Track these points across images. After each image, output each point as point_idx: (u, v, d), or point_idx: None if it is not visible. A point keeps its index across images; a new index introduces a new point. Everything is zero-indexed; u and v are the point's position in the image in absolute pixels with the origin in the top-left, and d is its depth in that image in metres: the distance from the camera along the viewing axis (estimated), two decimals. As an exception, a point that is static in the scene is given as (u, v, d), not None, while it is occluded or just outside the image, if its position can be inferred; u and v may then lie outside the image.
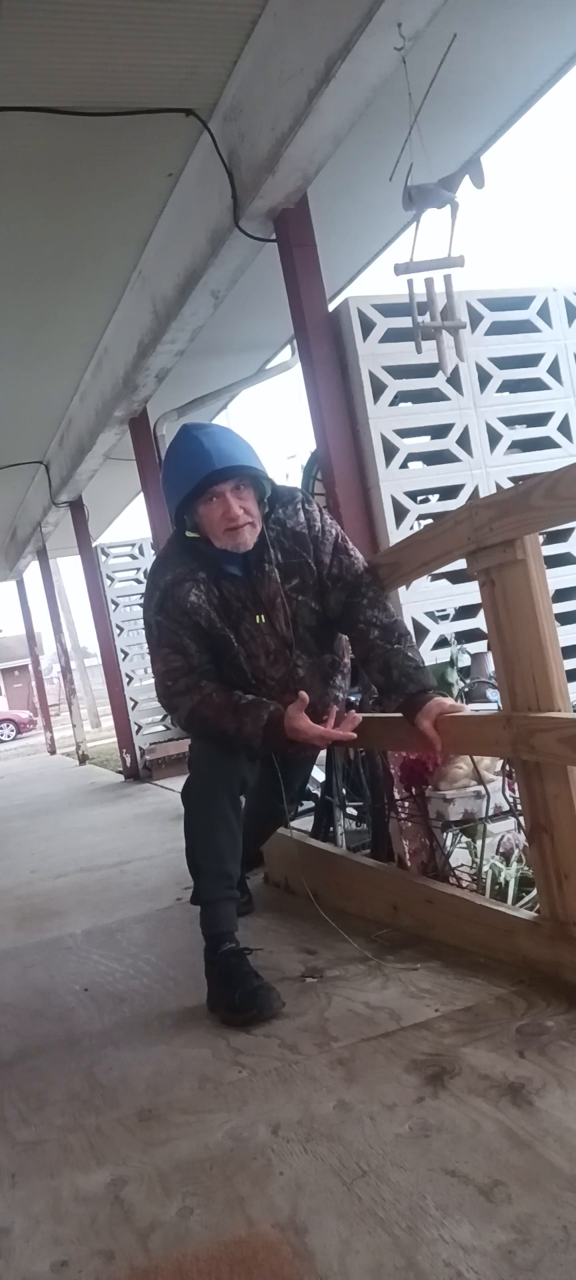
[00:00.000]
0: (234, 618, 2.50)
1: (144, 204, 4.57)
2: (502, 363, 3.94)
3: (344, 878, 2.90)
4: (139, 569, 8.61)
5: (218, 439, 2.43)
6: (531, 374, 4.01)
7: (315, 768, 3.79)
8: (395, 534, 3.60)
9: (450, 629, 3.66)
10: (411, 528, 3.62)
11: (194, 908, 2.47)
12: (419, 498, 3.76)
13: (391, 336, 3.68)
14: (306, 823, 3.60)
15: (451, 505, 3.68)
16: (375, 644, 2.46)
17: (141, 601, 2.68)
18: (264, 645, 2.52)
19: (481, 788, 2.66)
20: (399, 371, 3.70)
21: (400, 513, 3.67)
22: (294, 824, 3.28)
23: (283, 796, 2.60)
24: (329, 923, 2.56)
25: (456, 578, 3.62)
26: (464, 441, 3.83)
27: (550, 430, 4.01)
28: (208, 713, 2.45)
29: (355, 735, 2.50)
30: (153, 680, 2.68)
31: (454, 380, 3.82)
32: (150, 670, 2.94)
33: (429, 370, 3.69)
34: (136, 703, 8.44)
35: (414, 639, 2.67)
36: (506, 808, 2.59)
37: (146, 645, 2.65)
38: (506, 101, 4.18)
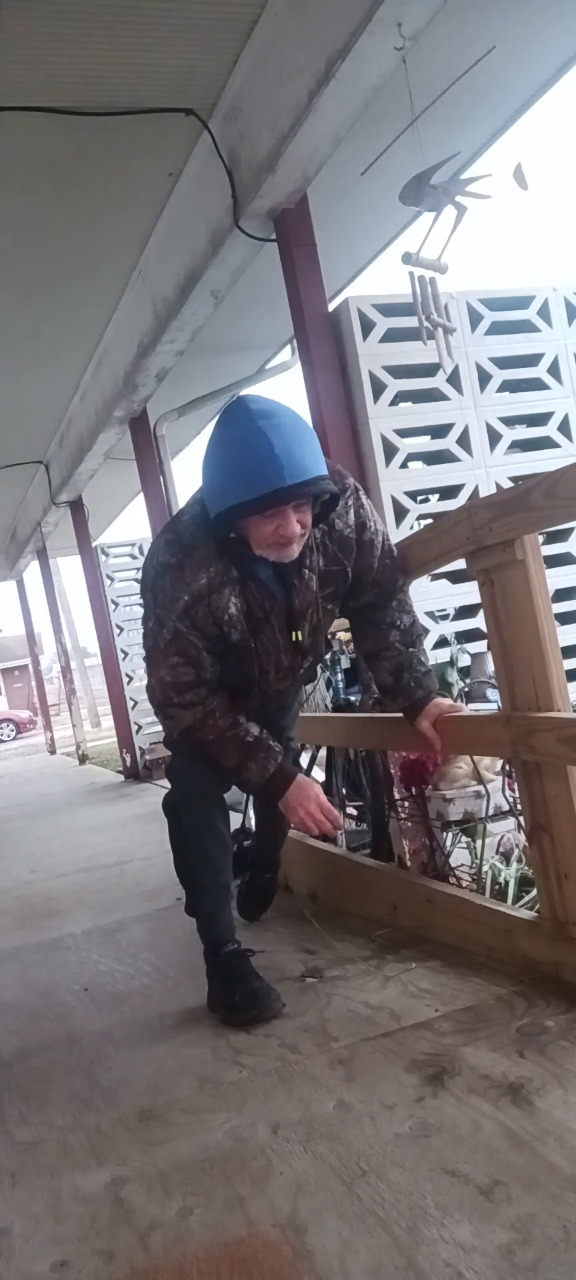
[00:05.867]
0: (253, 626, 2.23)
1: (144, 204, 4.57)
2: (502, 363, 3.94)
3: (344, 878, 2.90)
4: (139, 569, 8.57)
5: (289, 439, 2.00)
6: (531, 374, 4.02)
7: (315, 768, 3.80)
8: (395, 534, 3.60)
9: (450, 629, 3.66)
10: (411, 528, 3.63)
11: (193, 909, 2.46)
12: (419, 498, 3.77)
13: (391, 336, 3.69)
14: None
15: (451, 505, 3.69)
16: (392, 645, 2.37)
17: (148, 588, 2.22)
18: (277, 662, 2.30)
19: (481, 788, 2.66)
20: (399, 371, 3.71)
21: (400, 512, 3.67)
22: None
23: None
24: (322, 932, 2.55)
25: (456, 578, 3.63)
26: (464, 441, 3.84)
27: (550, 430, 4.02)
28: (210, 737, 2.23)
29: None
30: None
31: (454, 380, 3.83)
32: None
33: (429, 370, 3.69)
34: (136, 702, 8.43)
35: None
36: (506, 808, 2.59)
37: (146, 641, 2.29)
38: (506, 101, 4.18)
